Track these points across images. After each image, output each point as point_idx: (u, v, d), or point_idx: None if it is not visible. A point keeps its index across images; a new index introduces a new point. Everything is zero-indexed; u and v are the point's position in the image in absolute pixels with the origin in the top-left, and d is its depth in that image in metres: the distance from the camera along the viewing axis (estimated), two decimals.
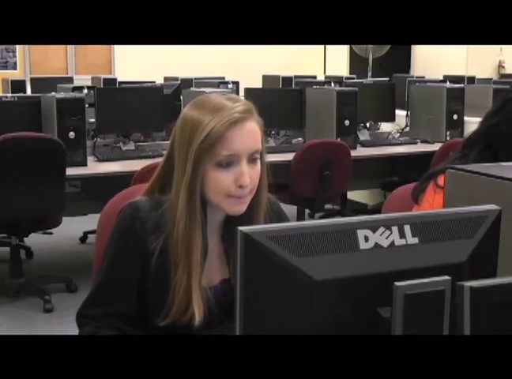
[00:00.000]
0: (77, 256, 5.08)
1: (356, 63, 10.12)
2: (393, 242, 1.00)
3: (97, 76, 7.33)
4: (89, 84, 6.20)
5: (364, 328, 0.99)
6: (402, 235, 1.01)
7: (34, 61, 10.28)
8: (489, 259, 1.09)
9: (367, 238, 0.99)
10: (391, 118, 5.83)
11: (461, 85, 5.78)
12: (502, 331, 0.92)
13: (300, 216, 5.17)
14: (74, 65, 10.52)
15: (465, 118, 5.46)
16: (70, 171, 4.01)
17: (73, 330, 1.59)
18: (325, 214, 5.75)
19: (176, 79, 6.65)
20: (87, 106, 4.44)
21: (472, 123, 4.98)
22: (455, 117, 5.42)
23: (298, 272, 0.95)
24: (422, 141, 5.55)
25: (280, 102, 5.21)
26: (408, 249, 1.01)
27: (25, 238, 4.70)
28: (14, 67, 10.18)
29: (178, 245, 1.49)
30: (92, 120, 4.69)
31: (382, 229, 1.00)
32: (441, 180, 1.91)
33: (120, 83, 6.28)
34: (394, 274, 0.98)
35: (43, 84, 6.07)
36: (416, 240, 1.02)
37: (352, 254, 0.98)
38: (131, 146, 4.76)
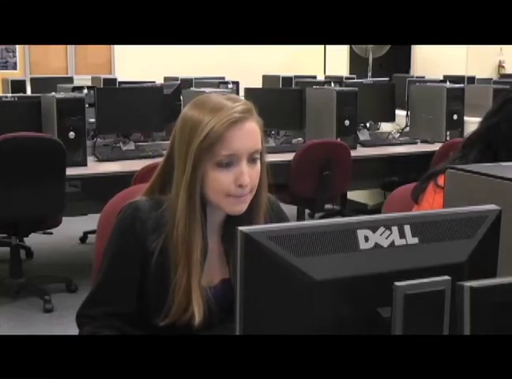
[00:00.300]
0: (77, 256, 5.08)
1: (356, 63, 10.11)
2: (393, 242, 1.00)
3: (97, 76, 7.33)
4: (89, 84, 6.20)
5: (364, 328, 0.99)
6: (402, 235, 1.01)
7: (34, 61, 10.28)
8: (489, 259, 1.09)
9: (367, 238, 0.99)
10: (391, 118, 5.83)
11: (461, 85, 5.78)
12: (502, 331, 0.92)
13: (300, 216, 5.16)
14: (74, 65, 10.52)
15: (465, 118, 5.46)
16: (70, 171, 4.00)
17: (73, 330, 1.59)
18: (325, 214, 5.75)
19: (176, 79, 6.65)
20: (87, 106, 4.44)
21: (472, 123, 4.98)
22: (455, 117, 5.42)
23: (298, 272, 0.95)
24: (422, 141, 5.55)
25: (280, 102, 5.21)
26: (408, 249, 1.01)
27: (25, 238, 4.69)
28: (14, 67, 10.18)
29: (178, 245, 1.49)
30: (92, 120, 4.68)
31: (382, 229, 1.00)
32: (441, 180, 1.91)
33: (120, 83, 6.28)
34: (394, 274, 0.98)
35: (43, 84, 6.07)
36: (415, 240, 1.02)
37: (352, 254, 0.98)
38: (131, 146, 4.76)
